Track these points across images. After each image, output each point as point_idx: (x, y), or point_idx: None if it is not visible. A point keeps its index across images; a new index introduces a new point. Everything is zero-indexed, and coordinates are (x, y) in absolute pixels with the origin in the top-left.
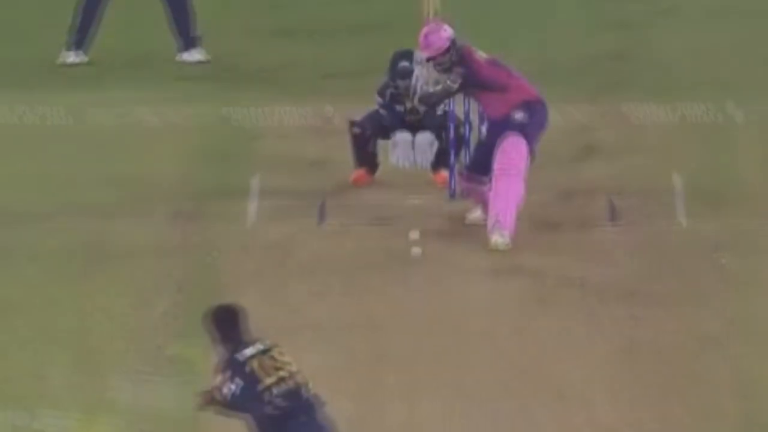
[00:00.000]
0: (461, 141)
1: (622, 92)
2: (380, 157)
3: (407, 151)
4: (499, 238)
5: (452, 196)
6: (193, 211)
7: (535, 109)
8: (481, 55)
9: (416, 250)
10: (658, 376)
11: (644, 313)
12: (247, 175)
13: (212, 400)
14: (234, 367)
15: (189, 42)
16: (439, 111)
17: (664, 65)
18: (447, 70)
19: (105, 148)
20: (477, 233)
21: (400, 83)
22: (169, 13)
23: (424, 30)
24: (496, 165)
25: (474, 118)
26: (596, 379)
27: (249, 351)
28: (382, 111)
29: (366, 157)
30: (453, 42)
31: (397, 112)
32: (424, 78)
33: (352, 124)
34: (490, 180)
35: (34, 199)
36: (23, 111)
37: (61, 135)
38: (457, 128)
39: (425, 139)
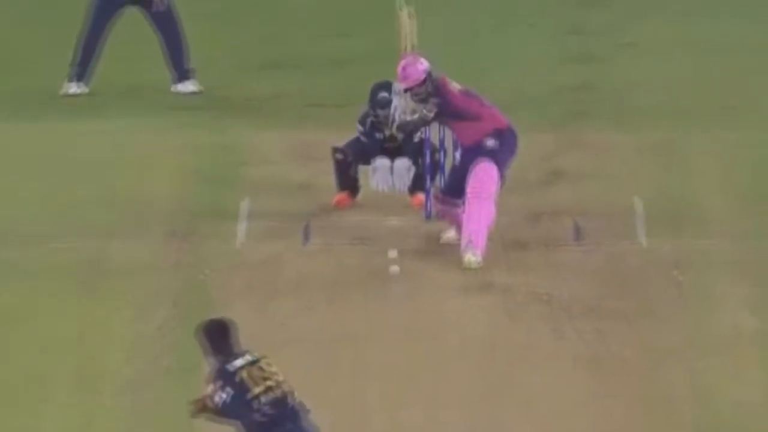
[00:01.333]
0: (436, 166)
1: (587, 121)
2: (361, 182)
3: (386, 175)
4: (471, 257)
5: (428, 217)
6: (187, 231)
7: (506, 136)
8: (455, 86)
9: (394, 268)
10: (621, 386)
11: (607, 327)
12: (237, 197)
13: (204, 408)
14: (225, 376)
15: (183, 74)
16: (416, 138)
17: (626, 95)
18: (423, 100)
19: (105, 172)
20: (451, 252)
21: (380, 112)
22: (164, 48)
23: (402, 63)
24: (469, 189)
25: (448, 144)
26: (562, 389)
27: (239, 362)
28: (362, 138)
29: (348, 182)
30: (429, 74)
31: (376, 140)
32: (401, 107)
33: (335, 150)
34: (464, 202)
35: (40, 219)
36: (29, 138)
37: (64, 160)
38: (432, 154)
39: (403, 164)
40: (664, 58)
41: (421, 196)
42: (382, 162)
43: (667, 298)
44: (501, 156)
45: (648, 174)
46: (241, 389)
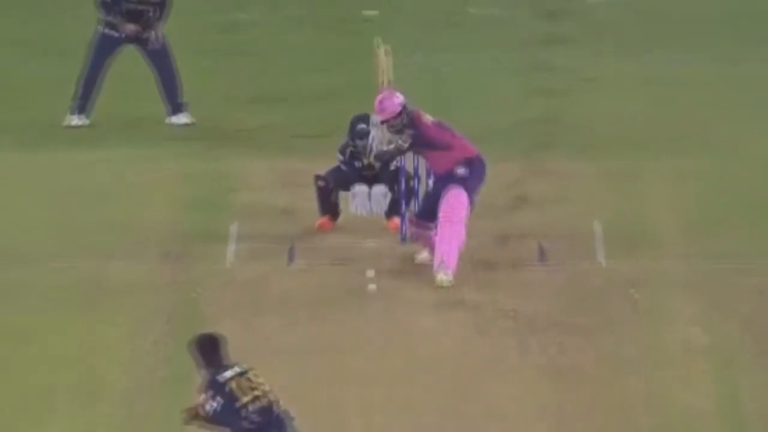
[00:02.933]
0: (411, 192)
1: (550, 150)
2: (342, 206)
3: (364, 201)
4: (443, 276)
5: (403, 239)
6: (181, 252)
7: (475, 165)
8: (428, 118)
9: (372, 287)
10: (581, 394)
11: (568, 340)
12: (227, 222)
13: (197, 416)
14: (215, 387)
15: (177, 107)
16: (392, 166)
17: (586, 127)
18: (399, 132)
19: (104, 198)
20: (425, 272)
21: (359, 143)
22: (159, 83)
23: (379, 96)
24: (441, 213)
25: (422, 172)
26: (527, 397)
27: (228, 373)
28: (343, 167)
29: (329, 207)
30: (404, 107)
31: (355, 168)
32: (379, 138)
33: (317, 178)
34: (436, 226)
35: (43, 242)
36: (35, 167)
37: (66, 187)
38: (407, 181)
39: (380, 190)
40: (622, 93)
41: (396, 220)
42: (360, 188)
43: (624, 314)
44: (471, 183)
45: (607, 200)
46: (230, 399)
